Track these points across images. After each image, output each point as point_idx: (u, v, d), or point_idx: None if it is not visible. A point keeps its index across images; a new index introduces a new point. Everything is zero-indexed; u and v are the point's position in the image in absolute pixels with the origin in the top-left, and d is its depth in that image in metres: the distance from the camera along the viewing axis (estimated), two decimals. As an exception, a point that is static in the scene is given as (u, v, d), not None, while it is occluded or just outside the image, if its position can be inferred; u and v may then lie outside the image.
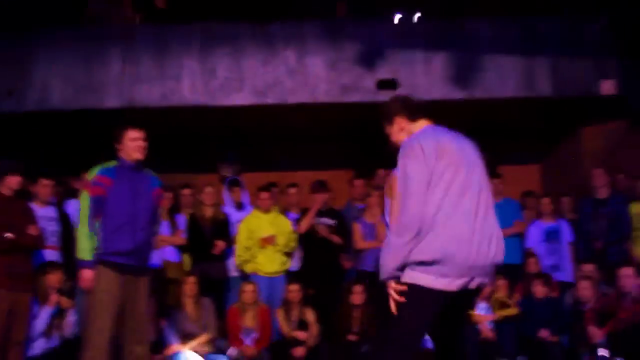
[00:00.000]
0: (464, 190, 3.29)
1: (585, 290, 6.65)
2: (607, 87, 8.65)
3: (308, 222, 7.69)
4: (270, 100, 8.44)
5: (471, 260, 3.19)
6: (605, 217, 7.55)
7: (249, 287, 7.44)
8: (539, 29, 8.71)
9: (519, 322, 6.87)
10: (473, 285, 3.25)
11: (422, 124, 3.64)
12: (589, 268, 7.02)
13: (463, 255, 3.18)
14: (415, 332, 3.24)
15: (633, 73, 8.54)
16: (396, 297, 3.20)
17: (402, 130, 3.65)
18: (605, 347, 5.35)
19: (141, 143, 5.01)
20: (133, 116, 8.30)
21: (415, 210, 3.19)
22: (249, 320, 7.38)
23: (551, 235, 8.05)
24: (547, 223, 8.07)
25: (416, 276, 3.18)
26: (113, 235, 4.89)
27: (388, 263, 3.24)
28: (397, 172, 3.33)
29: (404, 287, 3.19)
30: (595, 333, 6.20)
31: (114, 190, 4.93)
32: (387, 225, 3.58)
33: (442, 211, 3.21)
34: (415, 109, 3.74)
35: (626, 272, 6.39)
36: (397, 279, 3.23)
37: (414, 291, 3.18)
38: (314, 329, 7.24)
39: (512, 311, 6.84)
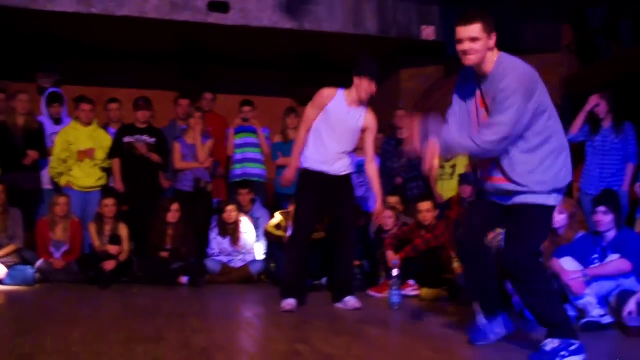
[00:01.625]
0: None
1: (388, 219, 7.14)
2: (428, 32, 9.14)
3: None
4: (95, 10, 8.15)
5: None
6: (405, 155, 8.06)
7: (61, 200, 7.34)
8: (369, -33, 9.00)
9: (324, 245, 7.25)
10: None
11: (496, 51, 3.68)
12: (393, 200, 7.53)
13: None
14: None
15: (453, 20, 9.05)
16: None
17: (489, 50, 3.60)
18: (399, 269, 5.82)
19: None
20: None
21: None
22: (59, 233, 7.32)
23: (362, 168, 8.49)
24: (360, 157, 8.48)
25: None
26: None
27: (459, 146, 3.70)
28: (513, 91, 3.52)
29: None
30: (392, 257, 6.71)
31: None
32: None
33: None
34: None
35: (425, 206, 6.89)
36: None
37: None
38: (126, 244, 7.28)
39: (319, 235, 7.21)
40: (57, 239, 7.29)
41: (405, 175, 8.07)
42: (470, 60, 3.59)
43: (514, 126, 3.53)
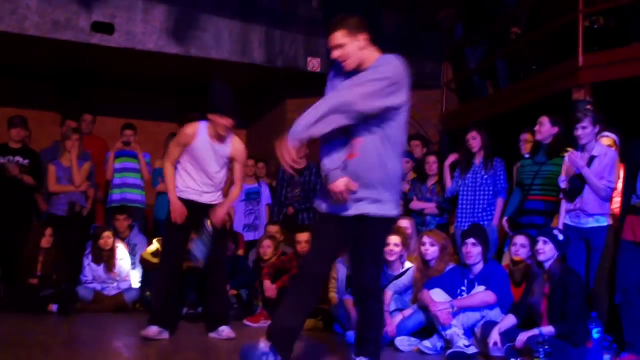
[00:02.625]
0: None
1: (267, 248, 7.10)
2: (314, 63, 9.28)
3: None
4: (-31, 23, 7.87)
5: None
6: (300, 185, 8.05)
7: None
8: (257, -1, 9.10)
9: (201, 274, 7.15)
10: None
11: (375, 51, 3.67)
12: (274, 229, 7.50)
13: None
14: None
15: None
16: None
17: (363, 50, 3.61)
18: (275, 297, 5.81)
19: None
20: None
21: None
22: None
23: (251, 196, 8.49)
24: (248, 185, 8.48)
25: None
26: None
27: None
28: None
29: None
30: (269, 287, 6.68)
31: None
32: None
33: None
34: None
35: (304, 237, 6.85)
36: None
37: None
38: (-8, 270, 6.97)
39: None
40: None
41: (297, 206, 8.01)
42: (347, 65, 3.61)
43: (361, 101, 3.48)
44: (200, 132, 5.37)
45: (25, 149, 7.60)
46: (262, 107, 10.51)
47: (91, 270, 7.34)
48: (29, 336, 5.44)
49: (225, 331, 5.51)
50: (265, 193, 8.57)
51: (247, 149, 10.72)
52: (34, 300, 6.81)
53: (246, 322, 6.58)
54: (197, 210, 5.44)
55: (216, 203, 5.52)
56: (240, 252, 7.66)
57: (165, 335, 5.34)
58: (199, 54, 8.76)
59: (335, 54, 3.61)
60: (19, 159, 7.46)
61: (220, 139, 5.41)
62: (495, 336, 4.86)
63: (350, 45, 3.58)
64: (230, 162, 5.56)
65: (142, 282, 7.43)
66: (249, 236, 8.34)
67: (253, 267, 7.35)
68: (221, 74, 9.44)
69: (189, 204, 5.42)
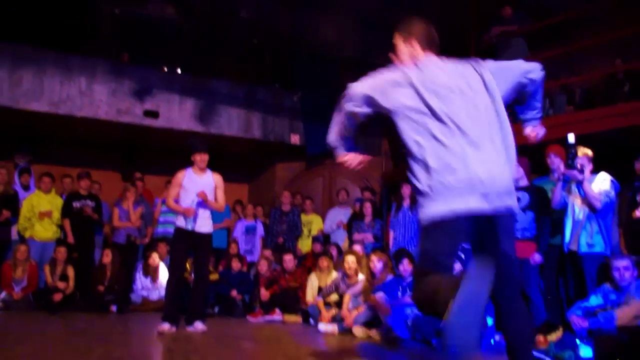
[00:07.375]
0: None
1: (262, 266, 7.11)
2: (295, 139, 9.42)
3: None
4: (61, 111, 7.93)
5: None
6: (286, 222, 8.04)
7: (21, 248, 6.87)
8: (255, 93, 9.25)
9: (218, 284, 7.13)
10: None
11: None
12: (267, 253, 7.51)
13: None
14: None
15: (311, 132, 9.41)
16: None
17: (410, 56, 2.45)
18: (268, 300, 5.77)
19: None
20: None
21: None
22: (19, 273, 6.81)
23: (250, 231, 8.48)
24: (248, 222, 8.48)
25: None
26: None
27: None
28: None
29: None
30: (264, 293, 6.69)
31: None
32: None
33: None
34: (431, 42, 2.46)
35: (288, 257, 6.87)
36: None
37: None
38: (72, 281, 6.88)
39: (214, 277, 7.09)
40: (17, 277, 6.78)
41: (284, 237, 7.93)
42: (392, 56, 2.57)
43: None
44: (187, 171, 5.23)
45: (90, 195, 7.56)
46: (260, 168, 10.60)
47: (141, 281, 7.28)
48: (97, 328, 5.39)
49: (199, 325, 5.14)
50: (259, 228, 8.45)
51: (249, 197, 10.93)
52: (100, 303, 6.75)
53: (248, 318, 6.54)
54: (192, 239, 5.15)
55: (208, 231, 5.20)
56: (244, 268, 7.65)
57: (173, 329, 5.07)
58: (216, 131, 8.86)
59: None
60: (88, 201, 7.45)
61: (203, 171, 5.23)
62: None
63: (399, 48, 2.52)
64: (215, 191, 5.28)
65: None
66: (247, 258, 8.27)
67: (253, 279, 7.33)
68: (231, 146, 9.56)
69: (185, 233, 5.15)
